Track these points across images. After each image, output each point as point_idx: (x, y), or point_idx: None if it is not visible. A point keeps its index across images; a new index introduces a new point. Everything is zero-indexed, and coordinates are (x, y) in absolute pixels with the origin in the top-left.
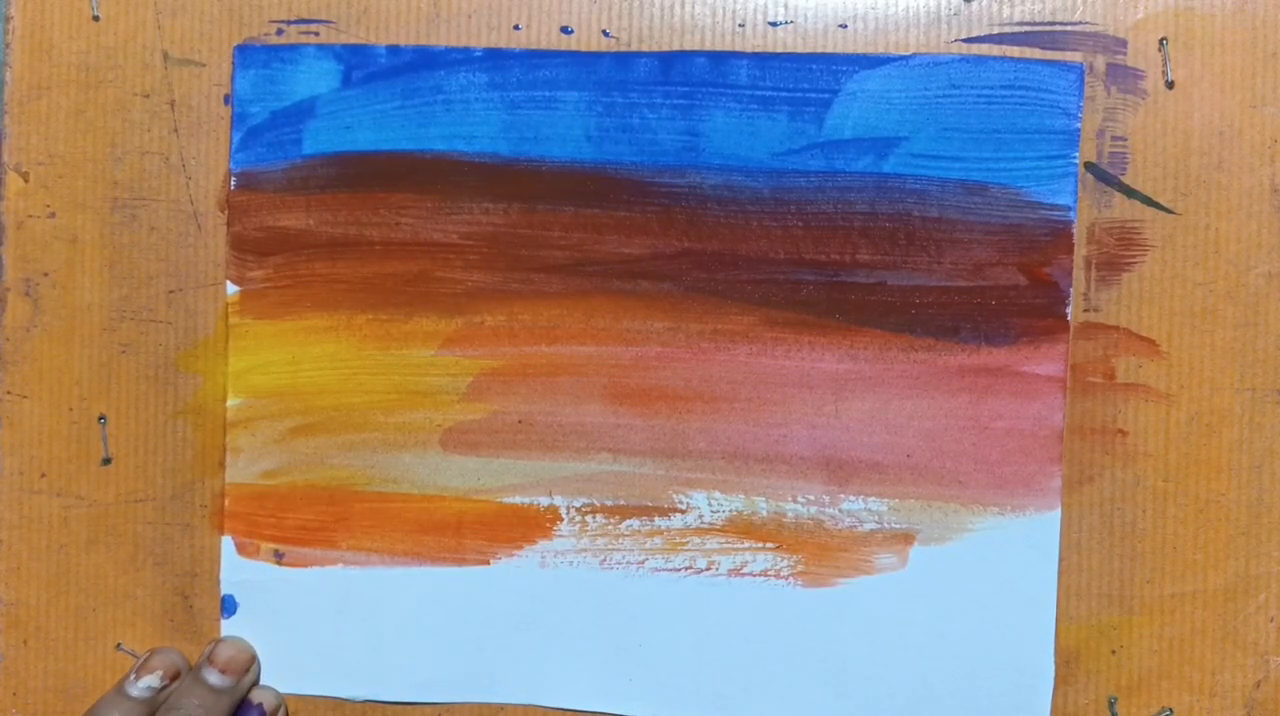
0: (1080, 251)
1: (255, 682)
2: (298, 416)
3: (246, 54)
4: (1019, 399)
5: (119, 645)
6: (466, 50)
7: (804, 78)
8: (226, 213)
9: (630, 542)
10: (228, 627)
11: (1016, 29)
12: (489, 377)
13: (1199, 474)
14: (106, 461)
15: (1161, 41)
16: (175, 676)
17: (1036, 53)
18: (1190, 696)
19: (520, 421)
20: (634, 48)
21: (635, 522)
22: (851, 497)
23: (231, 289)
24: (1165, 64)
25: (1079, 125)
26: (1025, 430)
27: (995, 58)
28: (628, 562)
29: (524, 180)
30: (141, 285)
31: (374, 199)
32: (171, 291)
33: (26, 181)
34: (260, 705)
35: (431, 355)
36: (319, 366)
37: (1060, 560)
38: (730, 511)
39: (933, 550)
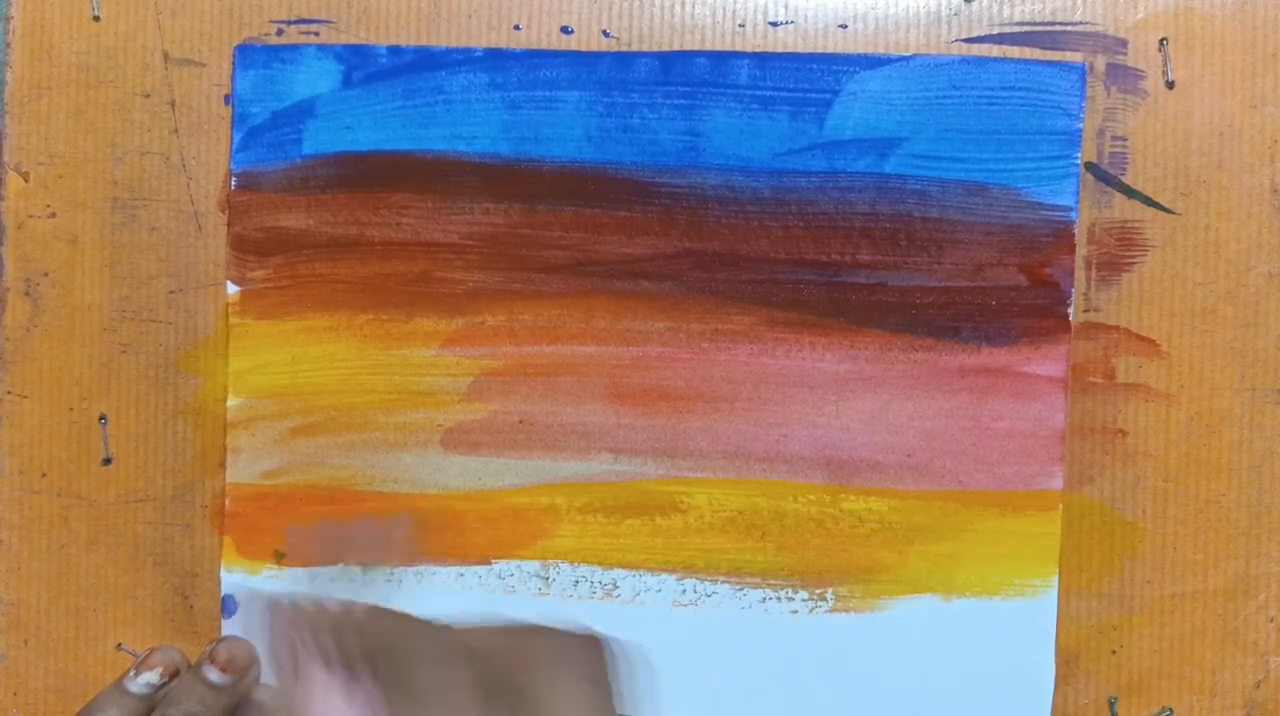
0: (1080, 251)
1: (256, 682)
2: (298, 416)
3: (247, 54)
4: (1020, 399)
5: (119, 645)
6: (467, 50)
7: (805, 78)
8: (227, 213)
9: (630, 542)
10: (228, 627)
11: (1016, 29)
12: (489, 378)
13: (1199, 474)
14: (107, 461)
15: (1161, 41)
16: (175, 674)
17: (1036, 53)
18: (1190, 696)
19: (521, 421)
20: (634, 48)
21: (635, 522)
22: (852, 497)
23: (232, 289)
24: (1165, 64)
25: (1080, 126)
26: (1026, 430)
27: (996, 59)
28: (628, 562)
29: (524, 180)
30: (141, 285)
31: (374, 199)
32: (172, 291)
33: (26, 181)
34: (262, 702)
35: (432, 355)
36: (319, 366)
37: (1060, 560)
38: (730, 511)
39: (933, 550)
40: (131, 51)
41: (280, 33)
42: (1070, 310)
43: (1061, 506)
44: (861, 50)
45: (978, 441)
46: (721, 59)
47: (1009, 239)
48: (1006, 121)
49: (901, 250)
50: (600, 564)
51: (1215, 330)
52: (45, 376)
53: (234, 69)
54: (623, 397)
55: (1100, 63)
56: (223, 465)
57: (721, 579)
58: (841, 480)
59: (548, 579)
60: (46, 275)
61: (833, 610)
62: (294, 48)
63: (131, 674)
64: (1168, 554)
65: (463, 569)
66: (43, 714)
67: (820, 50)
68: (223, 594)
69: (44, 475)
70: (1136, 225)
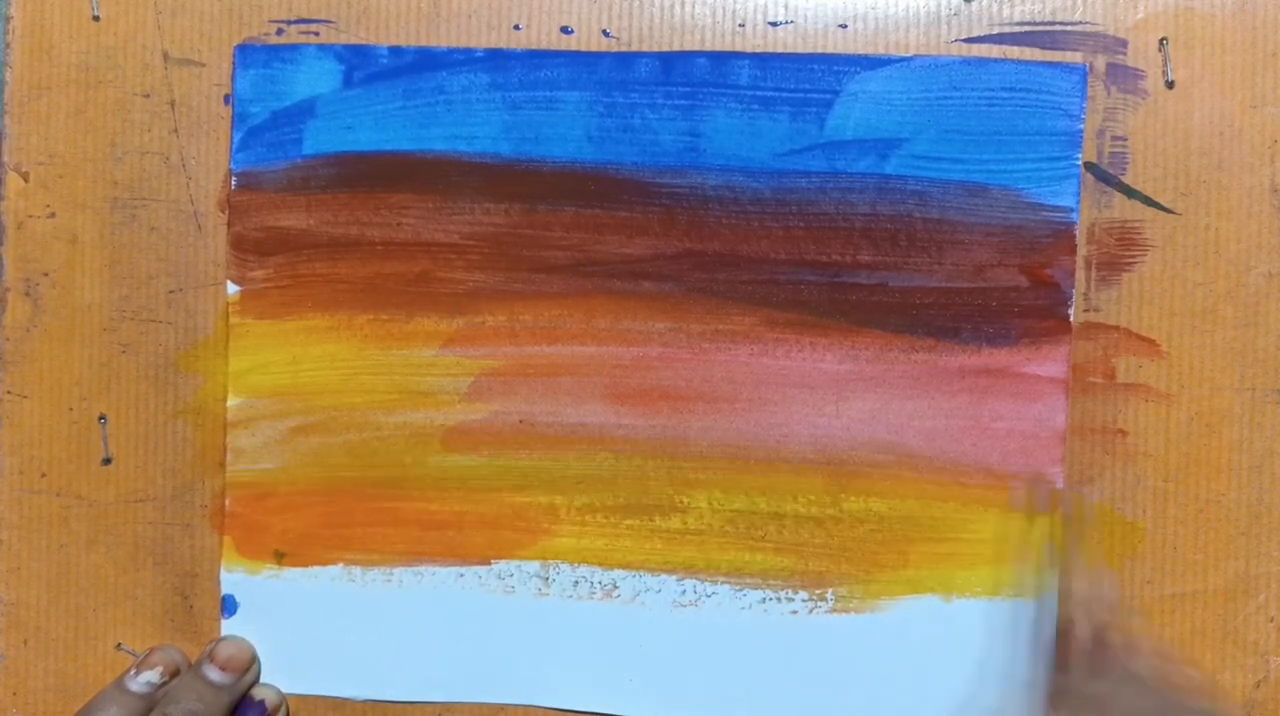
0: (1080, 251)
1: (255, 681)
2: (298, 416)
3: (247, 54)
4: (1020, 400)
5: (119, 645)
6: (468, 51)
7: (805, 78)
8: (227, 213)
9: (630, 543)
10: (228, 627)
11: (1016, 29)
12: (490, 378)
13: (1199, 474)
14: (107, 461)
15: (1161, 41)
16: (175, 673)
17: (1036, 53)
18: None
19: (521, 421)
20: (634, 48)
21: (635, 522)
22: (852, 497)
23: (232, 289)
24: (1165, 64)
25: (1081, 127)
26: (1026, 431)
27: (997, 59)
28: (628, 563)
29: (525, 180)
30: (141, 285)
31: (375, 199)
32: (171, 291)
33: (26, 181)
34: (262, 702)
35: (432, 355)
36: (320, 366)
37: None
38: (730, 511)
39: (933, 550)
40: (131, 51)
41: (280, 32)
42: (1070, 310)
43: (1062, 506)
44: (861, 50)
45: (978, 442)
46: (722, 59)
47: (1009, 240)
48: (1007, 122)
49: (902, 251)
50: (600, 564)
51: (1215, 330)
52: (45, 376)
53: (234, 69)
54: (623, 398)
55: (1100, 63)
56: (223, 465)
57: (721, 579)
58: (841, 480)
59: (548, 579)
60: (46, 275)
61: (833, 610)
62: (294, 47)
63: (132, 673)
64: (1168, 554)
65: (463, 569)
66: (43, 714)
67: (820, 50)
68: (223, 594)
69: (44, 475)
70: (1136, 225)
